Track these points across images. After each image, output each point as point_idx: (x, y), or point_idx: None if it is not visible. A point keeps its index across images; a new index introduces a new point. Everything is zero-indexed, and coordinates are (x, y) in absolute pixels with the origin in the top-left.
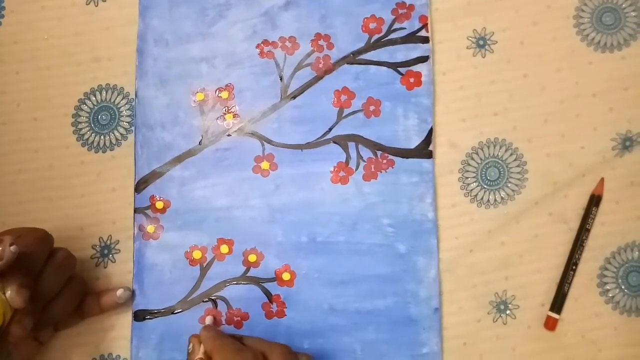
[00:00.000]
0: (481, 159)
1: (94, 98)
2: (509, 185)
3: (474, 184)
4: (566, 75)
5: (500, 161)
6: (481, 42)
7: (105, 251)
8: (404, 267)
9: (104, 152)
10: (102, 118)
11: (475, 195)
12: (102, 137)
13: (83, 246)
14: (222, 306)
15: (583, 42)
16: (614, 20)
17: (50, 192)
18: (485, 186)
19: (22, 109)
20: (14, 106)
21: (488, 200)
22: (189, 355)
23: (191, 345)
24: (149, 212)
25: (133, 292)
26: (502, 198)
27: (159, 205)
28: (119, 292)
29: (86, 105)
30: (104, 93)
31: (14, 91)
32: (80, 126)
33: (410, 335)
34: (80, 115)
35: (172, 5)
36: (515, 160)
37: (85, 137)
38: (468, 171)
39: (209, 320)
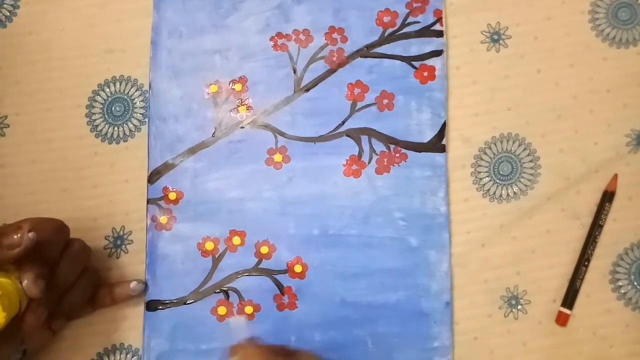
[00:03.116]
0: (494, 154)
1: (107, 89)
2: (522, 180)
3: (487, 178)
4: (580, 70)
5: (513, 156)
6: (495, 37)
7: (118, 242)
8: (415, 261)
9: (117, 143)
10: (116, 109)
11: (488, 190)
12: (115, 128)
13: (96, 237)
14: (233, 297)
15: (598, 37)
16: (630, 16)
17: (63, 182)
18: (497, 181)
19: (36, 99)
20: (28, 97)
21: (500, 195)
22: None
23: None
24: (161, 203)
25: (146, 285)
26: (514, 193)
27: (172, 196)
28: (132, 284)
29: (100, 96)
30: (117, 84)
31: (28, 82)
32: (94, 117)
33: (421, 329)
34: (94, 107)
35: None
36: (528, 155)
37: (99, 128)
38: (481, 166)
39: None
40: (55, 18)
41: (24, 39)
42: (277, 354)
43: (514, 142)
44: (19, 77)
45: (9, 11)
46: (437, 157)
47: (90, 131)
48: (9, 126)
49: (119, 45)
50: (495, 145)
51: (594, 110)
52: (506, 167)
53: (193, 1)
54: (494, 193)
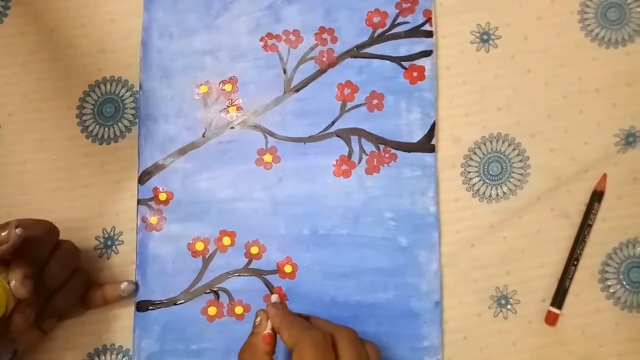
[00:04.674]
0: (484, 154)
1: (98, 90)
2: (511, 180)
3: (476, 178)
4: (570, 70)
5: (502, 156)
6: (485, 37)
7: (109, 242)
8: (405, 261)
9: (108, 143)
10: (107, 110)
11: (478, 190)
12: (106, 129)
13: (86, 237)
14: (224, 298)
15: (587, 37)
16: (619, 16)
17: (54, 183)
18: (487, 181)
19: (28, 100)
20: (19, 97)
21: (490, 195)
22: (255, 328)
23: (259, 319)
24: (152, 203)
25: (137, 285)
26: (504, 193)
27: (162, 196)
28: (123, 285)
29: (91, 97)
30: (108, 85)
31: (20, 82)
32: (84, 118)
33: (411, 328)
34: (85, 107)
35: None
36: (517, 155)
37: (90, 129)
38: (470, 166)
39: (275, 298)
40: (47, 19)
41: (16, 40)
42: (300, 316)
43: (503, 142)
44: (11, 78)
45: (0, 12)
46: (427, 157)
47: (81, 132)
48: (0, 127)
49: (110, 46)
50: (485, 145)
51: (584, 110)
52: (496, 167)
53: (184, 1)
54: (484, 193)
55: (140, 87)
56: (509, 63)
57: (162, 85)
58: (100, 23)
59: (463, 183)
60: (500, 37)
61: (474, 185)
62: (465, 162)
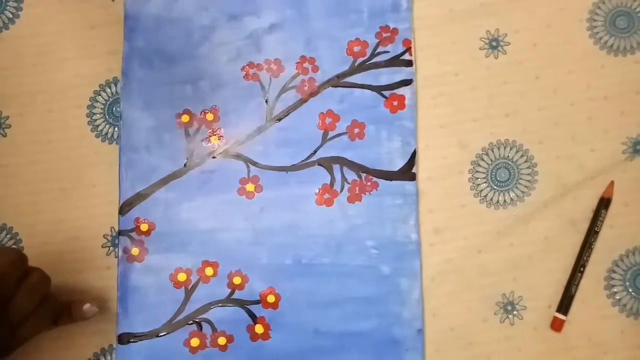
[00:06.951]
0: (491, 160)
1: (108, 90)
2: (519, 186)
3: (484, 184)
4: (578, 77)
5: (510, 162)
6: (494, 44)
7: (116, 241)
8: (387, 289)
9: (117, 143)
10: (116, 109)
11: (485, 196)
12: (116, 128)
13: (94, 235)
14: (206, 329)
15: (596, 45)
16: (628, 24)
17: (63, 182)
18: (495, 187)
19: (39, 100)
20: (30, 98)
21: (497, 201)
22: None
23: None
24: (133, 234)
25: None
26: (511, 199)
27: (144, 227)
28: (86, 307)
29: (101, 97)
30: (118, 85)
31: (31, 83)
32: (94, 117)
33: (393, 356)
34: (95, 107)
35: (158, 27)
36: (525, 161)
37: (100, 128)
38: (478, 172)
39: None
40: (57, 20)
41: (27, 41)
42: None
43: (511, 149)
44: (21, 79)
45: (12, 13)
46: (408, 185)
47: (91, 131)
48: (10, 126)
49: (120, 47)
50: (493, 151)
51: (592, 117)
52: (503, 173)
53: (164, 31)
54: (491, 199)
55: (121, 117)
56: (518, 69)
57: (143, 114)
58: (110, 24)
59: (471, 189)
60: (509, 43)
61: (481, 191)
62: (473, 168)
